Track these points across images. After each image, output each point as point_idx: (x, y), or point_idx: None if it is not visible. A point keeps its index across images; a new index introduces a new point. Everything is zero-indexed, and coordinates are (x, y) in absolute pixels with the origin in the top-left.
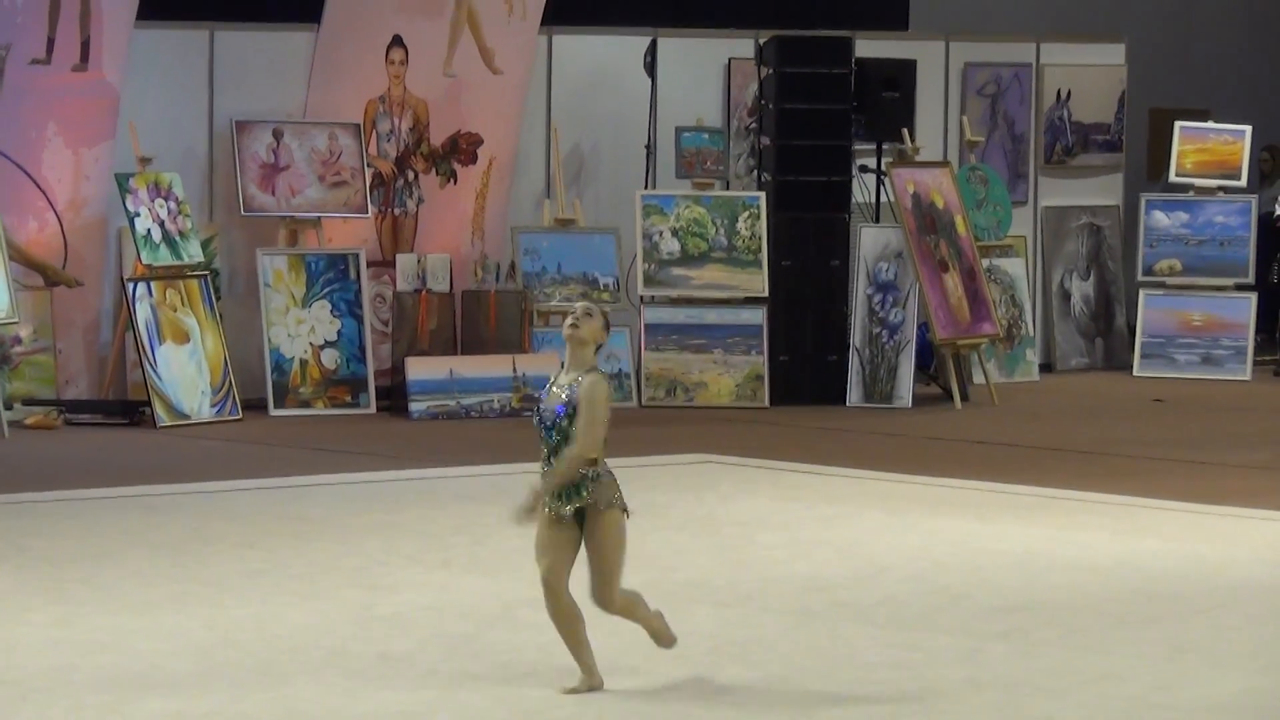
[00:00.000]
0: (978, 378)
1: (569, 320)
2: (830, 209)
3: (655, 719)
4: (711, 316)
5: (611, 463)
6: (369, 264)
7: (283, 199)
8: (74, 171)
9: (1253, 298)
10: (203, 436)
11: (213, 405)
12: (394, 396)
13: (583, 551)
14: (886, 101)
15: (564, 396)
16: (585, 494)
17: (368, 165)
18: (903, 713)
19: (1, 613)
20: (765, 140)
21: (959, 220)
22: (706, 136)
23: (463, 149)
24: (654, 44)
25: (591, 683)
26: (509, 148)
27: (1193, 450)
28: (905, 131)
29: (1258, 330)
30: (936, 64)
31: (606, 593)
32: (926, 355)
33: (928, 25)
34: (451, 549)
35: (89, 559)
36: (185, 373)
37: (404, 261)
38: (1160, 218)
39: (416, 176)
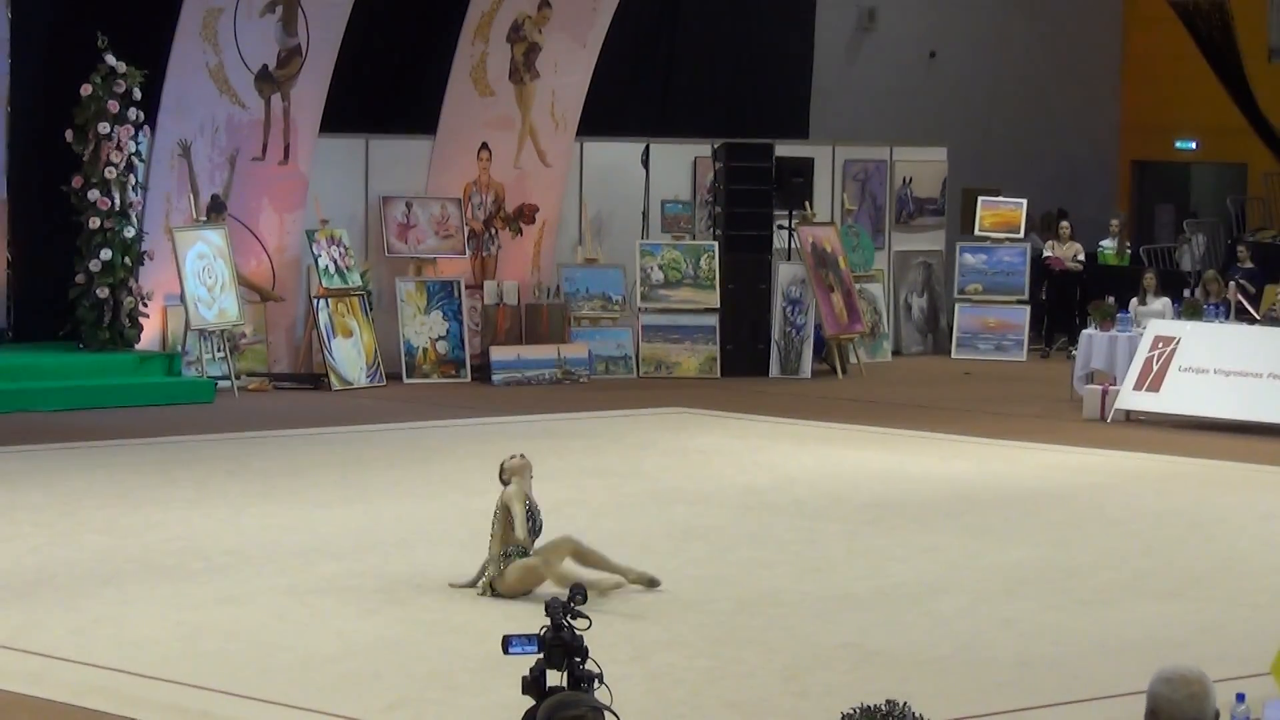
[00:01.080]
0: (852, 359)
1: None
2: (759, 252)
3: (649, 570)
4: (684, 320)
5: (619, 413)
6: (466, 287)
7: (412, 246)
8: (279, 229)
9: (1027, 309)
10: (360, 396)
11: (367, 376)
12: (482, 371)
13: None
14: (795, 184)
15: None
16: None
17: (465, 225)
18: (807, 570)
19: (233, 508)
20: (718, 209)
21: (841, 259)
22: (681, 206)
23: (526, 214)
24: (648, 148)
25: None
26: (555, 213)
27: (990, 405)
28: (807, 203)
29: (1030, 329)
30: (827, 160)
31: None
32: (819, 345)
33: (822, 135)
34: None
35: (288, 474)
36: (349, 355)
37: (489, 285)
38: (969, 258)
39: (496, 232)
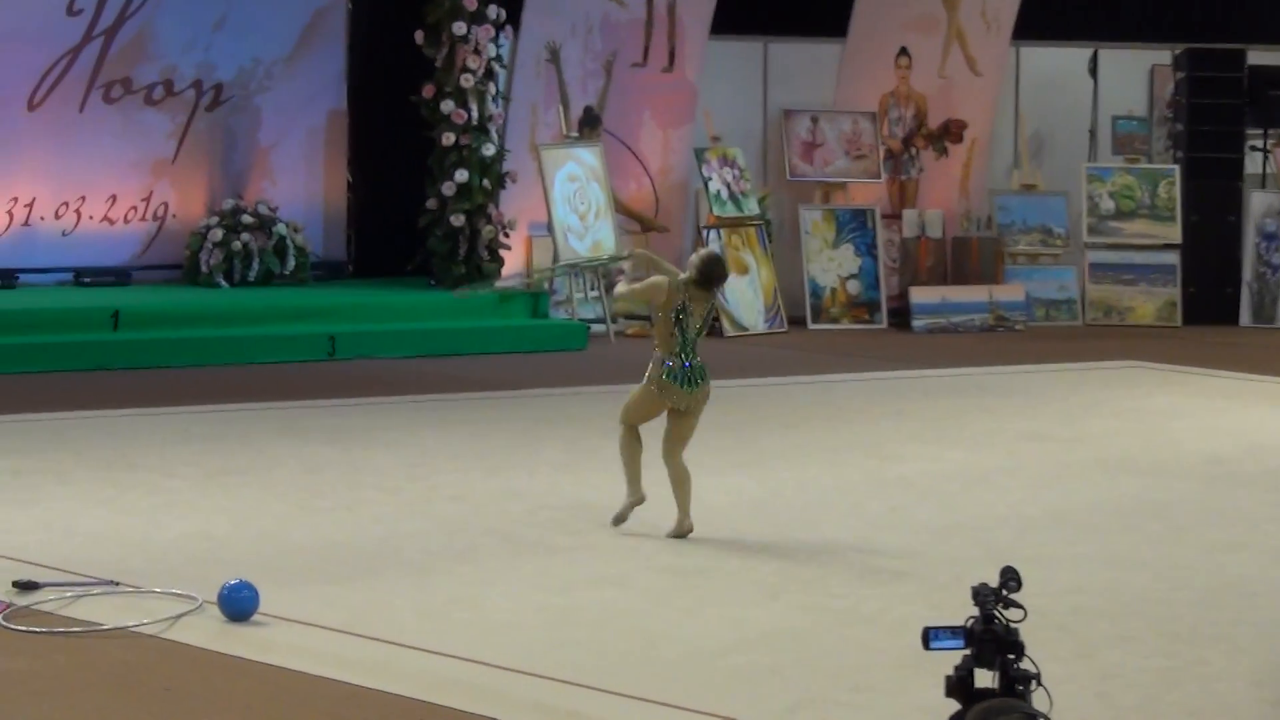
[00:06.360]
0: None
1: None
2: (1228, 178)
3: (1094, 552)
4: (1138, 258)
5: (1060, 367)
6: (882, 216)
7: (818, 168)
8: (663, 146)
9: None
10: (757, 344)
11: (765, 320)
12: (900, 315)
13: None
14: (1272, 98)
15: None
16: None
17: (881, 143)
18: None
19: (608, 472)
20: (1179, 126)
21: None
22: (1135, 123)
23: (952, 132)
24: (1095, 54)
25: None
26: (987, 131)
27: None
28: None
29: None
30: None
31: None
32: None
33: None
34: (943, 430)
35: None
36: (745, 296)
37: (908, 215)
38: None
39: (917, 152)
